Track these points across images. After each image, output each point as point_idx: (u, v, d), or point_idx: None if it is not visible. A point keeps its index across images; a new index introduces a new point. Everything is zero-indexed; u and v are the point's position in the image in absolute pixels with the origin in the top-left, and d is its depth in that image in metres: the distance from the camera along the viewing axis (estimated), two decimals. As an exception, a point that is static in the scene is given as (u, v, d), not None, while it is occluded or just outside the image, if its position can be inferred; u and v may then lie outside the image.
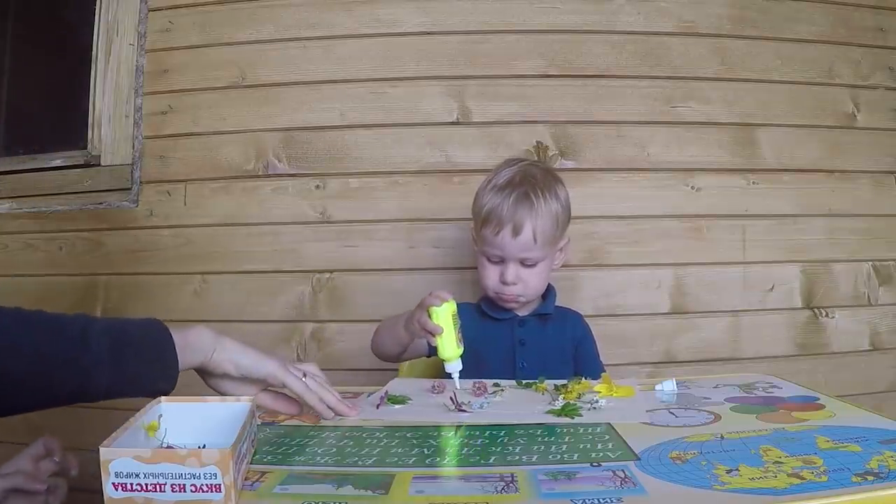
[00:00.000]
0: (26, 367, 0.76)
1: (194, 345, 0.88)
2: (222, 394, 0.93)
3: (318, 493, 0.64)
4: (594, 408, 0.93)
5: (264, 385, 0.94)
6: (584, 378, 1.07)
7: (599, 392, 1.01)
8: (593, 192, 1.72)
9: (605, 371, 1.42)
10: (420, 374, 1.44)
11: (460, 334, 1.16)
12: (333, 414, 0.92)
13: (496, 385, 1.09)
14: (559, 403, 0.95)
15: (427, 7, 1.74)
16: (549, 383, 1.08)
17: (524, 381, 1.11)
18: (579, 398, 0.97)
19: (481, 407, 0.96)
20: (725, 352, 1.73)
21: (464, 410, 0.94)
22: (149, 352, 0.84)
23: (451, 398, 0.96)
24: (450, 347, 1.13)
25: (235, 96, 1.76)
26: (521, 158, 1.48)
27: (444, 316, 1.14)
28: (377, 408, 0.97)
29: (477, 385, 1.07)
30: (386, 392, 1.03)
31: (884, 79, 1.81)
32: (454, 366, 1.13)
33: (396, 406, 0.99)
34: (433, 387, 1.08)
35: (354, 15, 1.75)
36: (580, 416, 0.88)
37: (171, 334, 0.86)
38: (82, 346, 0.79)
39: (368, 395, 1.06)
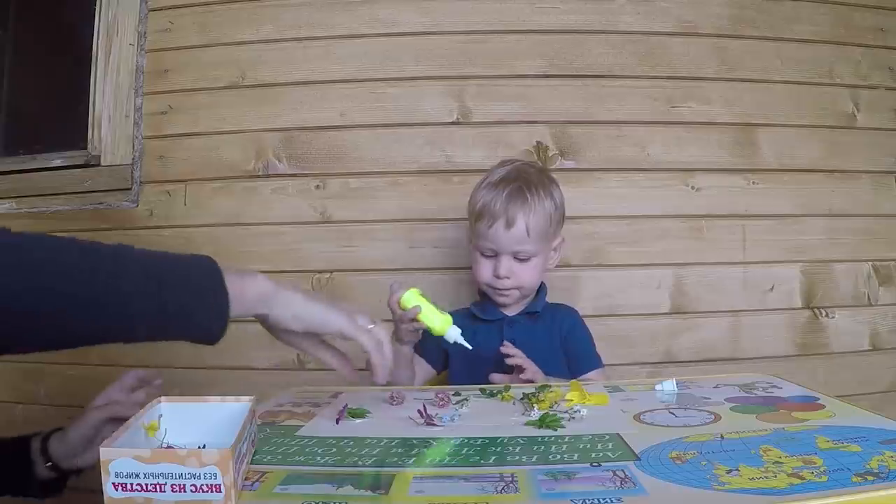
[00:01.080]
0: (72, 290, 0.68)
1: (250, 294, 0.79)
2: (289, 344, 0.87)
3: (318, 493, 0.64)
4: (574, 417, 0.89)
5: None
6: (553, 386, 1.03)
7: (571, 400, 0.96)
8: (593, 192, 1.72)
9: (603, 365, 1.42)
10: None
11: (438, 306, 1.14)
12: (386, 380, 0.87)
13: (457, 394, 1.04)
14: (536, 414, 0.90)
15: (427, 7, 1.74)
16: (516, 391, 1.04)
17: (488, 390, 1.06)
18: (552, 407, 0.93)
19: (452, 420, 0.91)
20: (725, 352, 1.73)
21: (434, 424, 0.89)
22: (196, 282, 0.75)
23: (419, 411, 0.91)
24: (436, 318, 1.11)
25: (235, 96, 1.76)
26: (516, 160, 1.49)
27: (413, 298, 1.13)
28: (336, 422, 0.92)
29: (439, 395, 1.01)
30: (345, 406, 0.97)
31: (884, 79, 1.81)
32: (452, 332, 1.10)
33: (357, 420, 0.93)
34: (391, 397, 1.03)
35: (354, 15, 1.75)
36: (563, 426, 0.84)
37: (221, 272, 0.77)
38: (120, 269, 0.71)
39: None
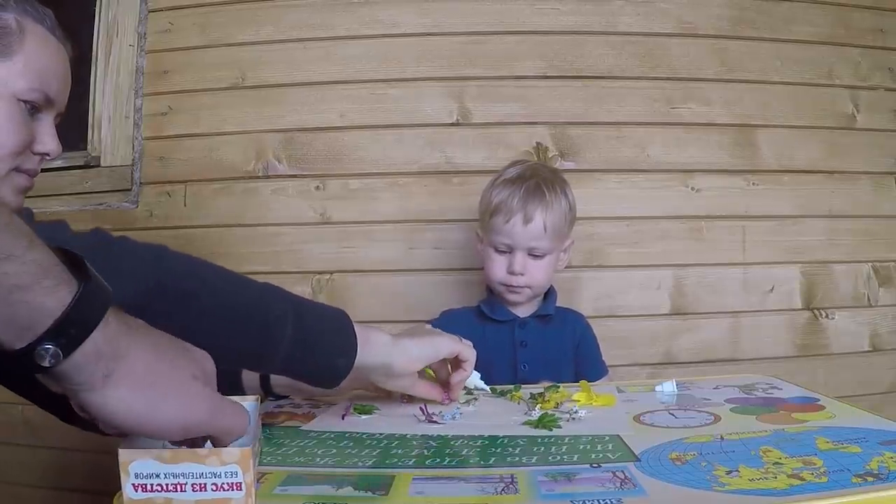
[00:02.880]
0: (221, 309, 0.73)
1: (375, 344, 0.84)
2: (394, 389, 0.92)
3: (317, 493, 0.64)
4: (573, 418, 0.88)
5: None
6: (561, 386, 1.02)
7: (578, 400, 0.96)
8: (593, 193, 1.72)
9: (608, 372, 1.42)
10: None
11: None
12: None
13: (469, 393, 1.03)
14: (536, 414, 0.90)
15: (427, 8, 1.74)
16: (524, 391, 1.03)
17: (498, 389, 1.06)
18: (557, 407, 0.93)
19: (453, 418, 0.92)
20: (725, 353, 1.73)
21: (434, 421, 0.89)
22: (329, 322, 0.81)
23: (420, 409, 0.92)
24: None
25: (236, 97, 1.76)
26: (526, 160, 1.50)
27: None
28: (342, 418, 0.92)
29: (447, 395, 0.99)
30: (351, 403, 0.97)
31: (883, 80, 1.81)
32: (472, 378, 1.06)
33: (363, 416, 0.94)
34: (401, 395, 1.01)
35: (355, 16, 1.75)
36: (559, 427, 0.84)
37: (350, 319, 0.83)
38: (267, 298, 0.77)
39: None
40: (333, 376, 0.80)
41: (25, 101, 0.92)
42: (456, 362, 0.96)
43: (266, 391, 1.06)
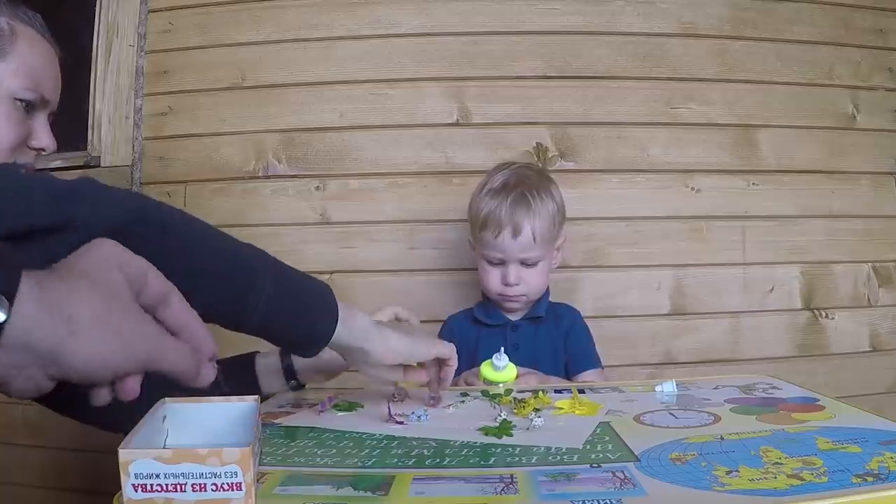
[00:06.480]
0: (201, 246, 0.73)
1: (358, 324, 0.84)
2: (375, 379, 0.92)
3: (317, 494, 0.64)
4: (529, 427, 0.84)
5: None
6: (546, 393, 0.99)
7: (561, 408, 0.93)
8: (593, 193, 1.72)
9: (602, 366, 1.42)
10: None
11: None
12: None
13: (464, 394, 1.03)
14: (499, 419, 0.86)
15: (427, 8, 1.74)
16: (514, 396, 1.01)
17: (490, 393, 1.04)
18: (536, 412, 0.89)
19: (419, 419, 0.90)
20: (725, 353, 1.73)
21: (400, 422, 0.88)
22: (310, 292, 0.80)
23: (387, 409, 0.90)
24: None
25: (235, 97, 1.76)
26: (512, 162, 1.50)
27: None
28: (319, 414, 0.92)
29: (432, 396, 0.98)
30: (329, 398, 0.97)
31: (883, 80, 1.81)
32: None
33: (340, 413, 0.94)
34: (394, 395, 1.01)
35: (355, 16, 1.75)
36: (510, 435, 0.81)
37: (332, 291, 0.82)
38: (248, 257, 0.76)
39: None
40: (309, 342, 0.80)
41: (21, 100, 0.96)
42: (441, 361, 0.96)
43: (289, 378, 1.07)
